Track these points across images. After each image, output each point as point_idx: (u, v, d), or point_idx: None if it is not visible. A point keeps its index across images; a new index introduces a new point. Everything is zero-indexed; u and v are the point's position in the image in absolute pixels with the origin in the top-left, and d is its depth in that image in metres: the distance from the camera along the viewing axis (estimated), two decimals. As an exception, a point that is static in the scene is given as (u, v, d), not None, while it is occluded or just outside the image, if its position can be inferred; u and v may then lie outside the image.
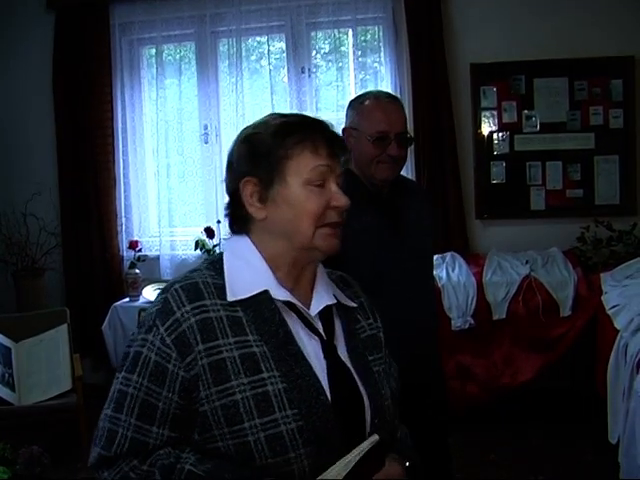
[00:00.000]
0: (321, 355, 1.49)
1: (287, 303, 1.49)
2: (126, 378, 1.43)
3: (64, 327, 4.66)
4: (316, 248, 1.50)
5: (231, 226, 1.58)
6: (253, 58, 5.77)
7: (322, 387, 1.44)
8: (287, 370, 1.41)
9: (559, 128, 5.25)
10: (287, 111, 5.34)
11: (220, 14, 5.51)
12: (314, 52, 5.61)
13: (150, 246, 5.72)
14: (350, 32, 5.46)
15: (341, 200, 1.52)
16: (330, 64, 5.60)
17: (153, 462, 1.39)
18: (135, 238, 5.65)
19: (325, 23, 5.45)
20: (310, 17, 5.43)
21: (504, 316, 4.57)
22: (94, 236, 5.62)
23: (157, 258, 5.63)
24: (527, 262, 4.79)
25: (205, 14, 5.51)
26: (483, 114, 5.32)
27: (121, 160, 5.68)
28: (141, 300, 5.27)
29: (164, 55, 5.69)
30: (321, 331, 1.52)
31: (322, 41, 5.65)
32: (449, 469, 2.65)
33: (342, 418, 1.43)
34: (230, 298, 1.45)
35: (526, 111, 5.27)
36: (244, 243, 1.54)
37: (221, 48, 5.64)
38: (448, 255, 5.00)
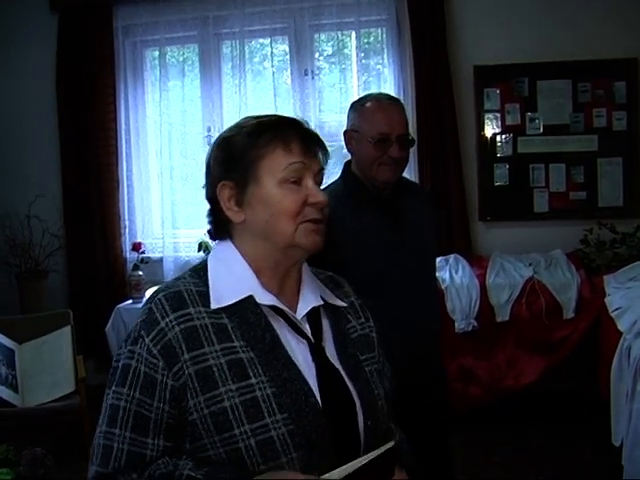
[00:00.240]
0: (309, 358, 1.47)
1: (273, 307, 1.47)
2: (117, 392, 1.41)
3: (67, 329, 4.66)
4: (298, 245, 1.47)
5: (214, 232, 1.57)
6: (256, 60, 5.77)
7: (311, 390, 1.42)
8: (275, 375, 1.40)
9: (562, 130, 5.25)
10: (290, 114, 5.34)
11: (223, 16, 5.52)
12: (317, 54, 5.62)
13: (153, 248, 5.73)
14: (353, 34, 5.47)
15: (318, 196, 1.48)
16: (333, 66, 5.61)
17: (152, 473, 1.37)
18: (138, 240, 5.66)
19: (328, 25, 5.46)
20: (313, 19, 5.44)
21: (507, 318, 4.57)
22: (97, 238, 5.63)
23: (160, 260, 5.64)
24: (530, 264, 4.79)
25: (208, 16, 5.52)
26: (486, 116, 5.32)
27: (124, 162, 5.69)
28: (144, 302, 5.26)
29: (167, 57, 5.70)
30: (309, 334, 1.50)
31: (325, 43, 5.66)
32: (449, 469, 2.65)
33: (333, 421, 1.42)
34: (214, 306, 1.44)
35: (529, 113, 5.27)
36: (227, 248, 1.53)
37: (224, 50, 5.65)
38: (451, 257, 5.00)
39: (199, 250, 5.37)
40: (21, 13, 5.69)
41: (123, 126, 5.68)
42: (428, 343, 2.55)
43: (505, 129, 5.31)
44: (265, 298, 1.47)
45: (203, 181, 1.58)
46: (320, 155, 1.53)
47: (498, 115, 5.31)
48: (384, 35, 5.44)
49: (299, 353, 1.46)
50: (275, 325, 1.46)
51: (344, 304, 1.61)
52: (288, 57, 5.55)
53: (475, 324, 4.57)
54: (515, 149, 5.30)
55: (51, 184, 5.63)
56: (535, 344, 4.56)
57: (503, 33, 5.23)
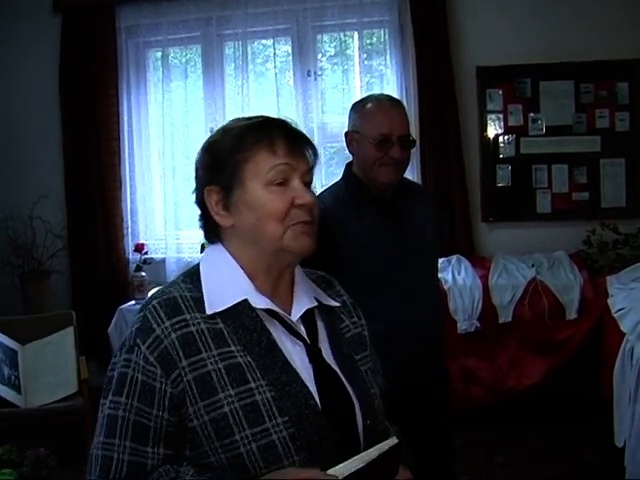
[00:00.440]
0: (306, 360, 1.46)
1: (268, 310, 1.46)
2: (114, 402, 1.39)
3: (70, 330, 4.66)
4: (287, 249, 1.45)
5: (206, 236, 1.56)
6: (259, 61, 5.78)
7: (310, 392, 1.41)
8: (274, 378, 1.39)
9: (565, 131, 5.24)
10: (292, 115, 5.37)
11: (226, 17, 5.52)
12: (320, 55, 5.62)
13: (156, 249, 5.74)
14: (356, 35, 5.47)
15: (305, 197, 1.45)
16: (336, 67, 5.61)
17: None
18: (141, 241, 5.66)
19: (331, 26, 5.47)
20: (316, 20, 5.44)
21: (510, 319, 4.57)
22: (100, 239, 5.64)
23: (163, 261, 5.64)
24: (533, 265, 4.79)
25: (211, 17, 5.52)
26: (489, 117, 5.32)
27: (127, 163, 5.70)
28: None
29: (170, 58, 5.71)
30: (304, 336, 1.49)
31: (328, 44, 5.66)
32: (451, 469, 2.65)
33: (333, 422, 1.41)
34: (209, 311, 1.42)
35: (532, 114, 5.27)
36: (219, 252, 1.51)
37: (227, 51, 5.65)
38: (454, 258, 5.00)
39: (202, 251, 5.36)
40: (24, 14, 5.69)
41: (126, 127, 5.68)
42: (429, 344, 2.55)
43: (508, 130, 5.31)
44: (260, 301, 1.46)
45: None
46: (308, 154, 1.51)
47: (501, 116, 5.31)
48: (386, 36, 5.44)
49: (296, 355, 1.45)
50: (271, 328, 1.45)
51: (337, 304, 1.61)
52: (290, 58, 5.55)
53: (478, 325, 4.57)
54: (518, 150, 5.30)
55: (54, 185, 5.64)
56: (538, 345, 4.56)
57: (505, 34, 5.23)
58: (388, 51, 5.42)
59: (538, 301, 4.56)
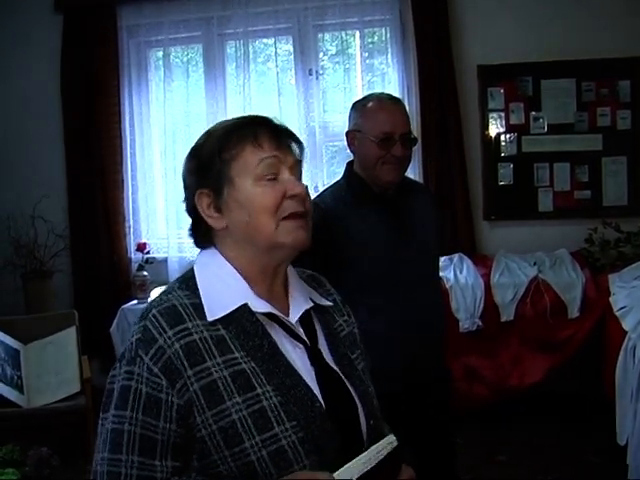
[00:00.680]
0: (307, 362, 1.45)
1: (267, 314, 1.44)
2: (118, 416, 1.35)
3: (72, 329, 4.66)
4: (282, 244, 1.44)
5: (196, 243, 1.54)
6: (260, 60, 5.78)
7: (315, 395, 1.40)
8: (278, 383, 1.38)
9: (567, 129, 5.24)
10: (294, 114, 5.38)
11: (227, 16, 5.52)
12: (321, 54, 5.62)
13: (158, 248, 5.73)
14: (357, 34, 5.47)
15: (297, 188, 1.44)
16: (337, 66, 5.61)
17: None
18: (143, 240, 5.66)
19: (332, 25, 5.46)
20: (317, 19, 5.44)
21: (512, 317, 4.57)
22: (102, 238, 5.63)
23: (165, 260, 5.64)
24: (535, 263, 4.78)
25: (212, 16, 5.52)
26: (490, 115, 5.31)
27: (129, 162, 5.69)
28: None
29: (171, 57, 5.70)
30: (304, 337, 1.48)
31: (329, 43, 5.66)
32: (453, 468, 2.65)
33: (338, 423, 1.40)
34: (210, 318, 1.40)
35: (533, 112, 5.26)
36: (214, 257, 1.49)
37: (228, 50, 5.64)
38: (456, 256, 5.00)
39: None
40: (25, 13, 5.69)
41: (127, 126, 5.68)
42: (431, 343, 2.55)
43: (509, 128, 5.30)
44: (259, 305, 1.44)
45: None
46: (294, 148, 1.50)
47: (502, 114, 5.30)
48: (388, 35, 5.43)
49: (297, 358, 1.44)
50: (271, 332, 1.43)
51: (330, 303, 1.60)
52: (292, 57, 5.54)
53: (480, 323, 4.57)
54: (519, 148, 5.29)
55: (56, 184, 5.64)
56: (540, 343, 4.56)
57: (507, 32, 5.23)
58: (389, 50, 5.42)
59: (540, 299, 4.56)
